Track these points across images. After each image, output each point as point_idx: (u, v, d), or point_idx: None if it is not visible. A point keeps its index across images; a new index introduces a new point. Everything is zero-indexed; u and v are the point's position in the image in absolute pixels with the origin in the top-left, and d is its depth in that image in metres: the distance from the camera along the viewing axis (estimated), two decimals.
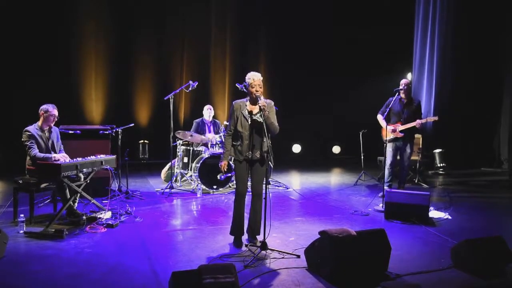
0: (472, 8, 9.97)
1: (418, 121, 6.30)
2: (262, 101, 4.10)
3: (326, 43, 11.03)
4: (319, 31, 10.96)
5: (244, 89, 4.33)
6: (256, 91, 4.16)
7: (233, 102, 4.29)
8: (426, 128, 10.08)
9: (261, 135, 4.22)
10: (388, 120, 6.46)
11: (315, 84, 11.03)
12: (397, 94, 6.32)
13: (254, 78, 4.18)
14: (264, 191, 4.09)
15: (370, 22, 10.94)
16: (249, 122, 4.18)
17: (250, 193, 4.32)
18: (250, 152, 4.20)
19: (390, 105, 6.38)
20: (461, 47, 10.12)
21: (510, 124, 9.69)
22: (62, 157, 4.92)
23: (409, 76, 10.91)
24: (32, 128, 5.03)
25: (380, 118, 6.55)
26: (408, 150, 6.48)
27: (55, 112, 5.12)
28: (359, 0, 11.05)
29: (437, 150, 9.41)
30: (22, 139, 4.96)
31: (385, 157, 6.40)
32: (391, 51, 10.73)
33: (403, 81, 6.45)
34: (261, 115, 4.17)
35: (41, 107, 5.10)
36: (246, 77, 4.22)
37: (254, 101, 4.22)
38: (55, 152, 5.18)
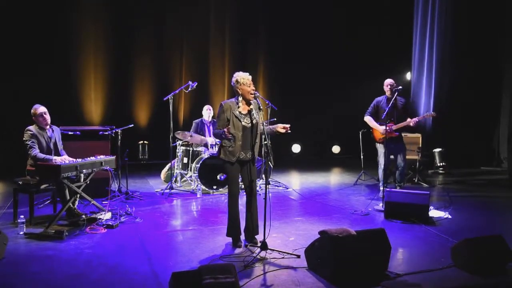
0: (471, 7, 9.97)
1: (414, 119, 6.32)
2: (260, 100, 4.13)
3: (326, 43, 11.03)
4: (318, 30, 10.96)
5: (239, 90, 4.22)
6: (253, 89, 4.16)
7: (222, 103, 4.20)
8: (426, 127, 10.09)
9: (253, 136, 4.20)
10: (377, 121, 6.48)
11: (314, 84, 11.03)
12: (396, 93, 6.32)
13: (249, 77, 4.16)
14: (258, 190, 4.11)
15: (370, 22, 10.95)
16: (242, 123, 4.16)
17: (243, 194, 4.34)
18: (242, 152, 4.19)
19: (378, 106, 6.43)
20: (460, 46, 10.12)
21: (509, 123, 9.68)
22: (62, 160, 4.91)
23: (409, 75, 10.91)
24: (34, 128, 5.03)
25: (369, 119, 6.57)
26: (402, 149, 6.51)
27: (41, 109, 5.06)
28: (359, 0, 11.05)
29: (437, 149, 9.41)
30: (24, 138, 4.95)
31: (379, 158, 6.43)
32: (391, 50, 10.73)
33: (389, 81, 6.47)
34: (253, 116, 4.17)
35: (31, 112, 5.09)
36: (238, 77, 4.15)
37: (248, 101, 4.21)
38: (57, 152, 5.18)
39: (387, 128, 6.24)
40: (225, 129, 4.00)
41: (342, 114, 10.92)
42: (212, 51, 10.59)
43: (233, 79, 4.20)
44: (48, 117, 5.11)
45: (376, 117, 6.54)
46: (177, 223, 5.25)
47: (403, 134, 6.70)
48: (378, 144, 6.64)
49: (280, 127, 4.26)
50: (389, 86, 6.45)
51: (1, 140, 8.48)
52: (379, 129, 6.45)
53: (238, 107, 4.18)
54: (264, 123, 4.26)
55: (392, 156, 6.69)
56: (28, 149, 4.92)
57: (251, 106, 4.21)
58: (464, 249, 3.68)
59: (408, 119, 6.35)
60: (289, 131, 4.29)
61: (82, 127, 6.77)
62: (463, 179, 8.64)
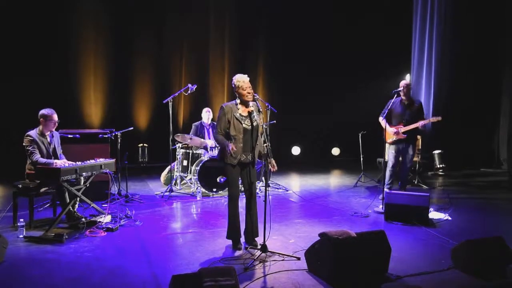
0: (471, 8, 9.99)
1: (421, 122, 6.30)
2: (256, 103, 4.15)
3: (326, 44, 11.05)
4: (318, 31, 10.98)
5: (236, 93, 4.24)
6: (248, 93, 4.15)
7: (223, 105, 4.22)
8: (425, 129, 10.10)
9: (254, 137, 4.21)
10: (389, 123, 6.46)
11: (314, 86, 11.05)
12: (396, 95, 6.33)
13: (244, 80, 4.17)
14: (257, 192, 4.11)
15: (370, 23, 10.97)
16: (243, 125, 4.16)
17: (243, 196, 4.34)
18: (243, 155, 4.19)
19: (391, 107, 6.39)
20: (460, 47, 10.14)
21: (509, 125, 9.71)
22: (63, 164, 4.91)
23: (408, 77, 10.93)
24: (34, 133, 5.02)
25: (382, 120, 6.55)
26: (410, 152, 6.47)
27: (55, 117, 5.09)
28: (358, 1, 11.08)
29: (437, 151, 9.42)
30: (24, 144, 4.95)
31: (386, 159, 6.41)
32: (390, 52, 10.75)
33: (402, 83, 6.45)
34: (253, 118, 4.18)
35: (40, 113, 5.06)
36: (235, 80, 4.19)
37: (246, 104, 4.22)
38: (56, 157, 5.18)
39: (395, 129, 6.25)
40: (231, 145, 4.00)
41: (342, 115, 10.94)
42: (211, 52, 10.60)
43: (232, 82, 4.22)
44: (55, 126, 5.15)
45: (389, 118, 6.49)
46: (177, 226, 5.24)
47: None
48: (388, 145, 6.59)
49: (271, 163, 4.23)
50: (402, 88, 6.38)
51: (0, 143, 8.47)
52: (388, 131, 6.40)
53: (238, 109, 4.19)
54: (264, 126, 4.27)
55: (400, 158, 6.68)
56: (30, 154, 4.92)
57: (252, 108, 4.22)
58: (464, 251, 3.69)
59: (419, 122, 6.31)
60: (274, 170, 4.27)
61: (82, 130, 6.77)
62: (463, 180, 8.64)
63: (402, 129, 6.36)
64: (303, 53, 11.02)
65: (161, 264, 3.87)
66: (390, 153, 6.48)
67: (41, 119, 5.04)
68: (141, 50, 9.97)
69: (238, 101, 4.22)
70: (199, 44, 10.46)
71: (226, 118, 4.15)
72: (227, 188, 6.84)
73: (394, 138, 6.36)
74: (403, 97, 6.41)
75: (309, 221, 5.40)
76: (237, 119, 4.15)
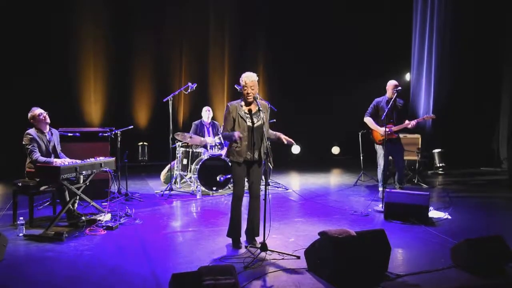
0: (471, 7, 9.98)
1: (413, 121, 6.31)
2: (262, 102, 4.13)
3: (326, 43, 11.03)
4: (318, 31, 10.97)
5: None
6: (247, 93, 4.14)
7: (228, 104, 4.25)
8: (425, 128, 10.10)
9: (259, 136, 4.21)
10: (376, 122, 6.49)
11: (314, 85, 11.03)
12: (396, 94, 6.32)
13: (246, 80, 4.15)
14: (261, 192, 4.11)
15: (369, 22, 10.95)
16: (247, 123, 4.17)
17: (247, 195, 4.34)
18: (249, 153, 4.20)
19: (377, 106, 6.44)
20: (460, 46, 10.13)
21: (509, 124, 9.70)
22: (62, 162, 4.90)
23: (408, 76, 10.92)
24: (33, 131, 5.02)
25: (369, 120, 6.57)
26: (400, 150, 6.51)
27: (39, 111, 5.06)
28: (359, 1, 11.06)
29: (436, 150, 9.41)
30: (24, 142, 4.95)
31: (378, 160, 6.45)
32: (390, 51, 10.74)
33: (392, 83, 6.46)
34: (258, 116, 4.18)
35: (28, 117, 5.07)
36: (241, 79, 4.19)
37: (248, 103, 4.22)
38: (56, 155, 5.18)
39: (387, 129, 6.24)
40: (237, 133, 4.05)
41: (341, 114, 10.92)
42: (211, 51, 10.58)
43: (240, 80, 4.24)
44: (47, 117, 5.11)
45: (375, 118, 6.54)
46: (177, 225, 5.24)
47: (402, 135, 6.72)
48: (377, 145, 6.65)
49: (284, 138, 4.29)
50: (392, 89, 6.39)
51: (0, 142, 8.46)
52: (379, 131, 6.45)
53: (242, 106, 4.20)
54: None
55: (390, 157, 6.69)
56: (29, 153, 4.91)
57: (256, 107, 4.22)
58: (464, 250, 3.69)
59: (406, 121, 6.34)
60: (291, 144, 4.32)
61: (82, 128, 6.77)
62: (463, 179, 8.64)
63: (394, 128, 6.37)
64: (303, 53, 11.00)
65: (161, 262, 3.87)
66: (380, 153, 6.51)
67: (31, 120, 5.05)
68: (141, 48, 9.95)
69: (242, 99, 4.25)
70: (199, 42, 10.45)
71: (231, 116, 4.17)
72: (227, 187, 6.91)
73: (384, 138, 6.35)
74: (390, 97, 6.42)
75: (309, 220, 5.40)
76: (241, 117, 4.16)
